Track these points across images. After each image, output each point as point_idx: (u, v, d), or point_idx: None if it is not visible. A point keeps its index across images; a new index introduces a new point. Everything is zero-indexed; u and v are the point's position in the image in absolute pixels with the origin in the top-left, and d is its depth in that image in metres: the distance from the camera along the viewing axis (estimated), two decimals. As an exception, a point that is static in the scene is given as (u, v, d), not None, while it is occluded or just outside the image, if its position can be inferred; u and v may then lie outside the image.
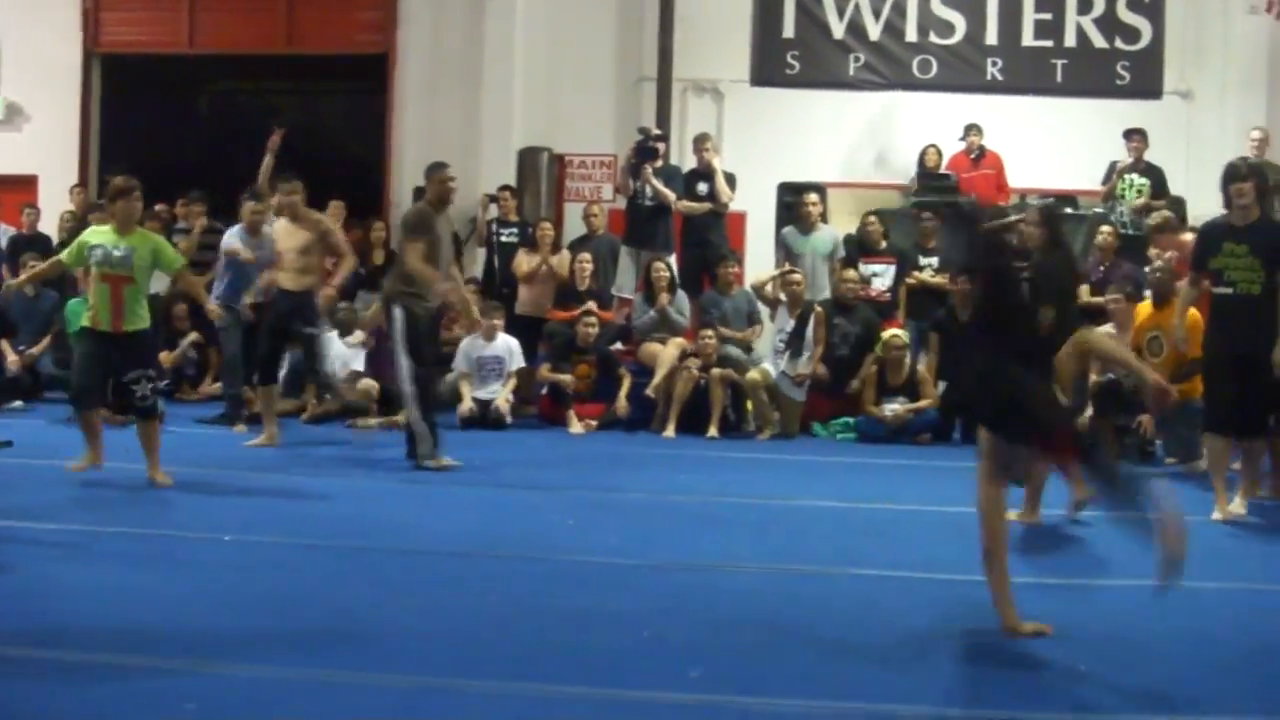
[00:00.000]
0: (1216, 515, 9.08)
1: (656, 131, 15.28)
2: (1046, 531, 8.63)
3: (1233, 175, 9.22)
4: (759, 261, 15.65)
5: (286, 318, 11.99)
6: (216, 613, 6.15)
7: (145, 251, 9.56)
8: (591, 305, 14.17)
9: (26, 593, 6.45)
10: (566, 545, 7.95)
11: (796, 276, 13.85)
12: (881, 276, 14.55)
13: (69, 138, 18.18)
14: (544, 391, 14.05)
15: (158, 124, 18.99)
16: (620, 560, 7.52)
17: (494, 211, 15.73)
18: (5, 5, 18.26)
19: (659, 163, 14.92)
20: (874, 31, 17.47)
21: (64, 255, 10.18)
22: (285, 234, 12.15)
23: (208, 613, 6.14)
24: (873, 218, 14.84)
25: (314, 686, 5.14)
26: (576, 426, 13.50)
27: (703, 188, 14.84)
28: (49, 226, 16.16)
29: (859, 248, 14.66)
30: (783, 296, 13.92)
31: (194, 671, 5.24)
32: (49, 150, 17.75)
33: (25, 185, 17.48)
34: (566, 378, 13.71)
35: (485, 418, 13.43)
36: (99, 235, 9.65)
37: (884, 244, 14.69)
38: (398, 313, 10.64)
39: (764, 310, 14.29)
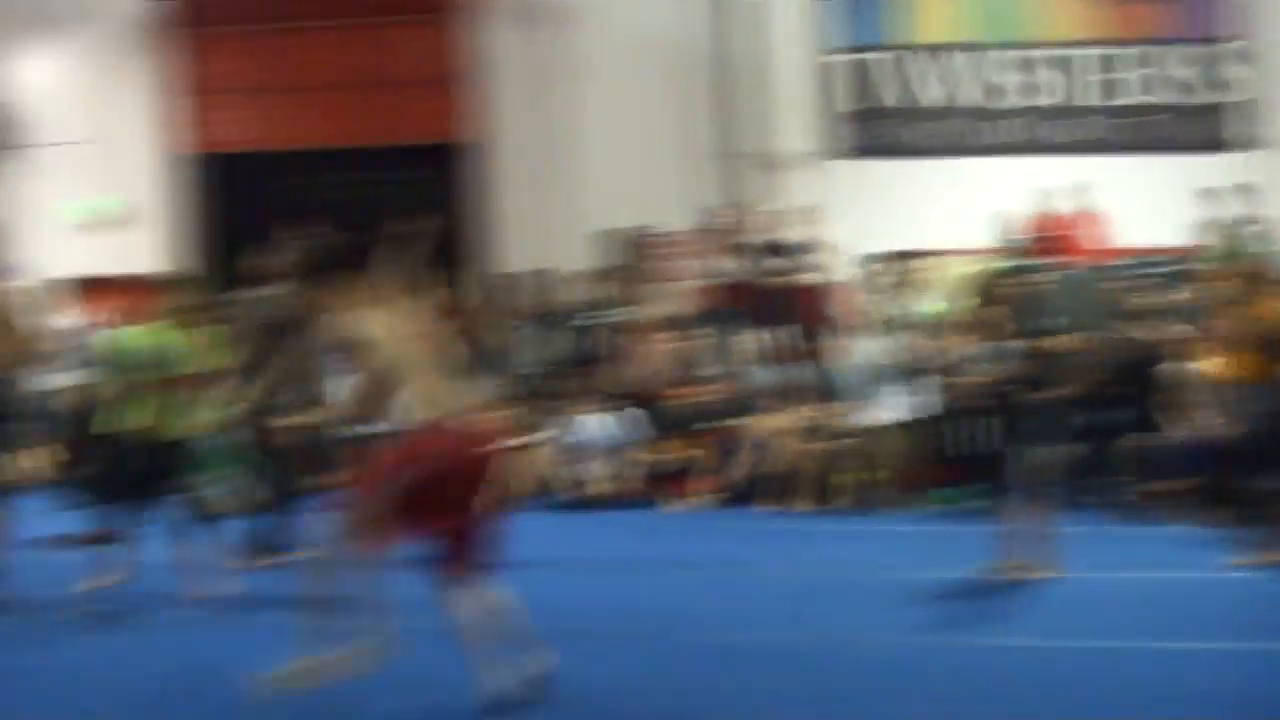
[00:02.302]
0: None
1: (723, 208, 15.28)
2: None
3: None
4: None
5: None
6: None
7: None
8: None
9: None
10: (687, 620, 8.03)
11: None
12: None
13: (174, 236, 18.53)
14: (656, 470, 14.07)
15: (256, 219, 19.16)
16: (741, 637, 7.59)
17: (581, 293, 15.95)
18: (103, 109, 18.68)
19: (742, 236, 15.00)
20: (956, 96, 17.44)
21: None
22: None
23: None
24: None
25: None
26: (693, 503, 13.57)
27: (786, 262, 14.98)
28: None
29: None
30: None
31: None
32: (157, 251, 18.01)
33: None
34: (683, 455, 13.74)
35: (581, 497, 13.60)
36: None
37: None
38: None
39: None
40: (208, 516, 9.09)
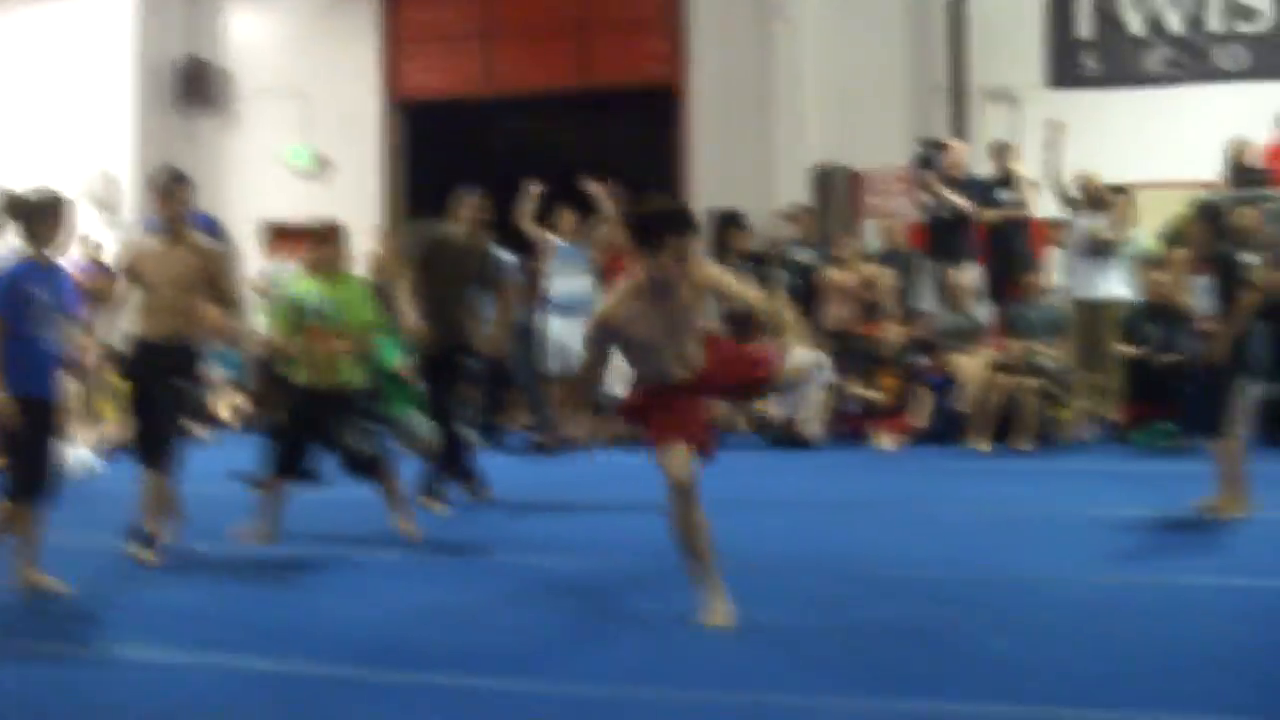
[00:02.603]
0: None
1: (931, 140, 15.01)
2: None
3: None
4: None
5: None
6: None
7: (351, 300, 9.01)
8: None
9: (375, 619, 6.63)
10: (889, 558, 7.80)
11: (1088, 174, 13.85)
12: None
13: (372, 186, 18.80)
14: (850, 408, 13.83)
15: (455, 167, 19.45)
16: (943, 574, 7.34)
17: (791, 231, 15.63)
18: (310, 63, 19.03)
19: (957, 171, 14.69)
20: (1175, 24, 16.87)
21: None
22: None
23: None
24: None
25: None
26: (887, 442, 13.32)
27: (1005, 196, 14.54)
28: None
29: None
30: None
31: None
32: (356, 197, 18.32)
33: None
34: (876, 394, 13.51)
35: (791, 435, 13.35)
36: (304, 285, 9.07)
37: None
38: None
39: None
40: (387, 459, 9.08)
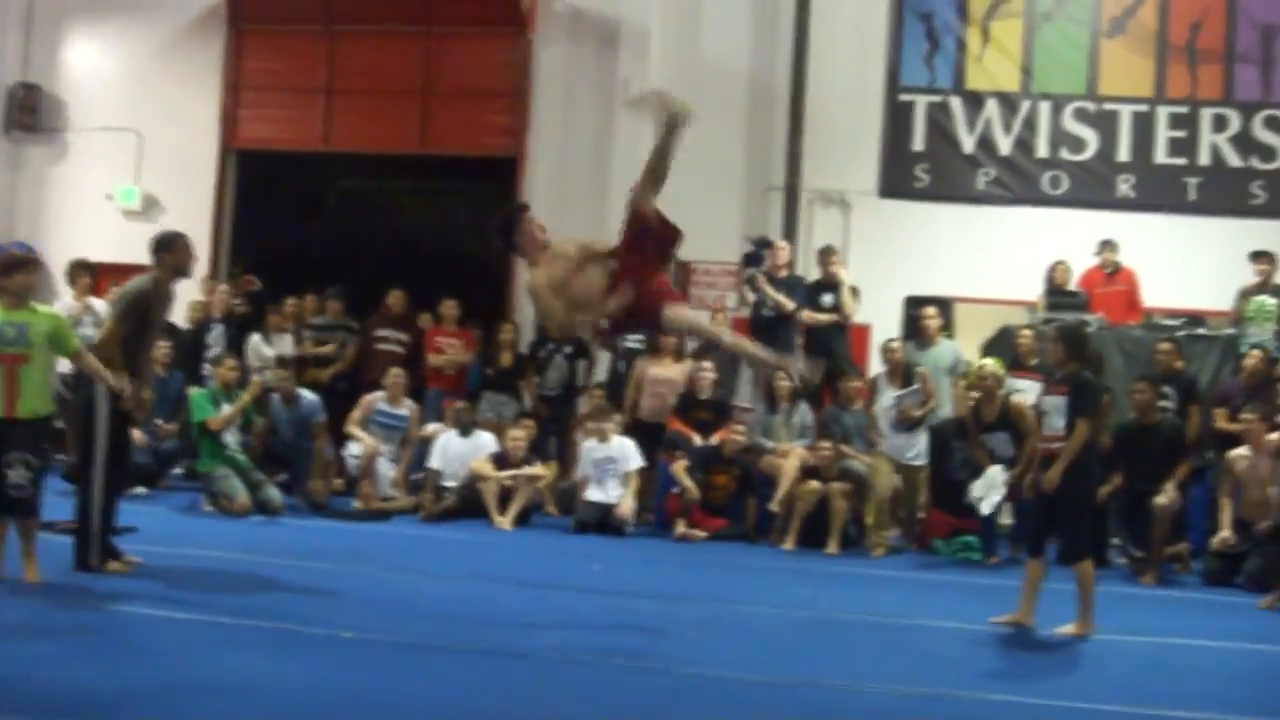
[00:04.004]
0: None
1: (759, 238, 15.20)
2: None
3: None
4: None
5: None
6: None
7: (41, 329, 8.92)
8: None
9: (155, 679, 6.44)
10: (689, 657, 7.81)
11: (895, 346, 14.09)
12: (1027, 394, 13.30)
13: (201, 230, 18.46)
14: (674, 490, 13.83)
15: (287, 219, 19.33)
16: (744, 676, 7.35)
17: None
18: (147, 101, 18.71)
19: (782, 271, 14.88)
20: (1005, 146, 17.34)
21: None
22: None
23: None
24: (1027, 332, 14.49)
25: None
26: (682, 529, 13.36)
27: (827, 299, 14.76)
28: (178, 316, 16.36)
29: (1011, 362, 14.32)
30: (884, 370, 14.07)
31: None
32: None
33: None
34: (690, 485, 13.56)
35: (604, 522, 13.35)
36: None
37: (1035, 360, 14.29)
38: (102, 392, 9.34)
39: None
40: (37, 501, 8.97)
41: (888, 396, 13.75)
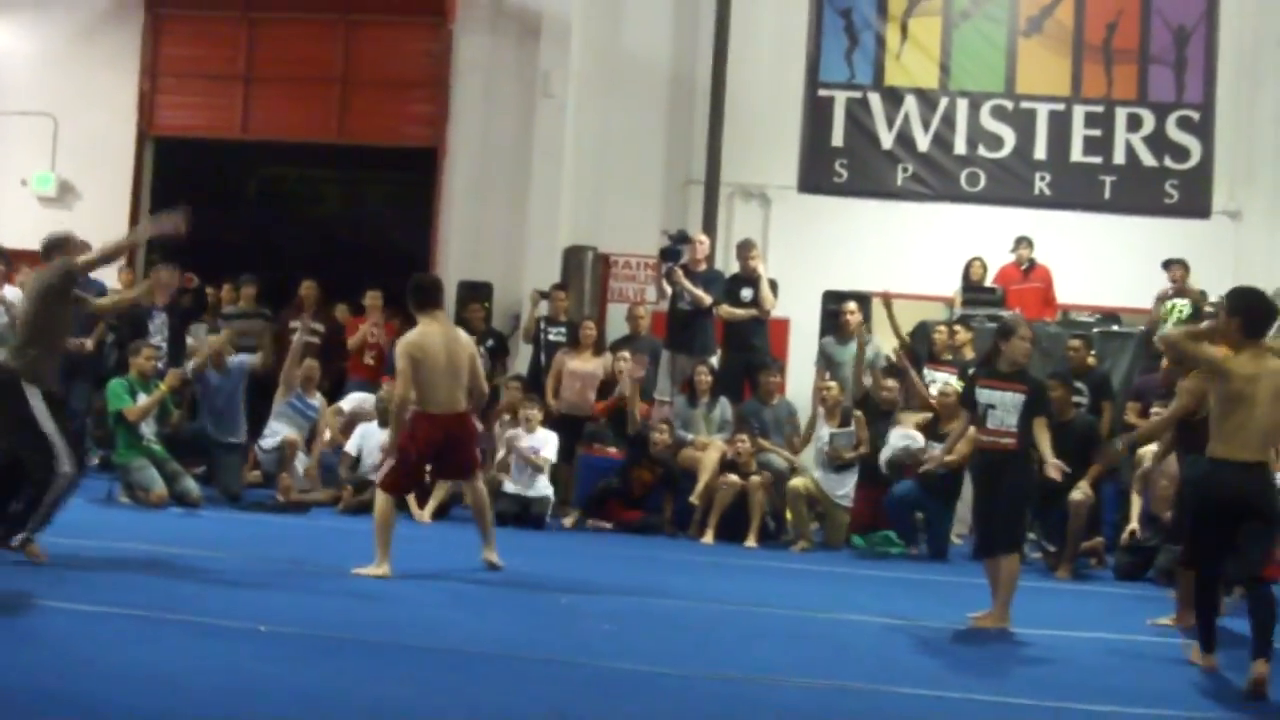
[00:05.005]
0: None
1: (678, 232, 15.23)
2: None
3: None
4: (801, 369, 15.58)
5: None
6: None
7: None
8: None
9: (68, 672, 6.39)
10: (604, 651, 7.83)
11: (831, 385, 13.79)
12: (940, 385, 13.84)
13: (119, 217, 18.27)
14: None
15: (205, 206, 19.13)
16: (660, 669, 7.38)
17: (543, 309, 15.68)
18: (62, 85, 18.51)
19: (701, 265, 14.91)
20: (923, 143, 17.52)
21: None
22: None
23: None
24: (943, 326, 14.71)
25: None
26: (602, 524, 13.45)
27: (746, 293, 14.79)
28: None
29: (927, 355, 14.50)
30: (820, 408, 13.83)
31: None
32: (99, 229, 17.70)
33: (71, 263, 17.53)
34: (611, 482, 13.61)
35: (524, 514, 13.35)
36: None
37: (949, 355, 14.50)
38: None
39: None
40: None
41: (824, 433, 13.78)
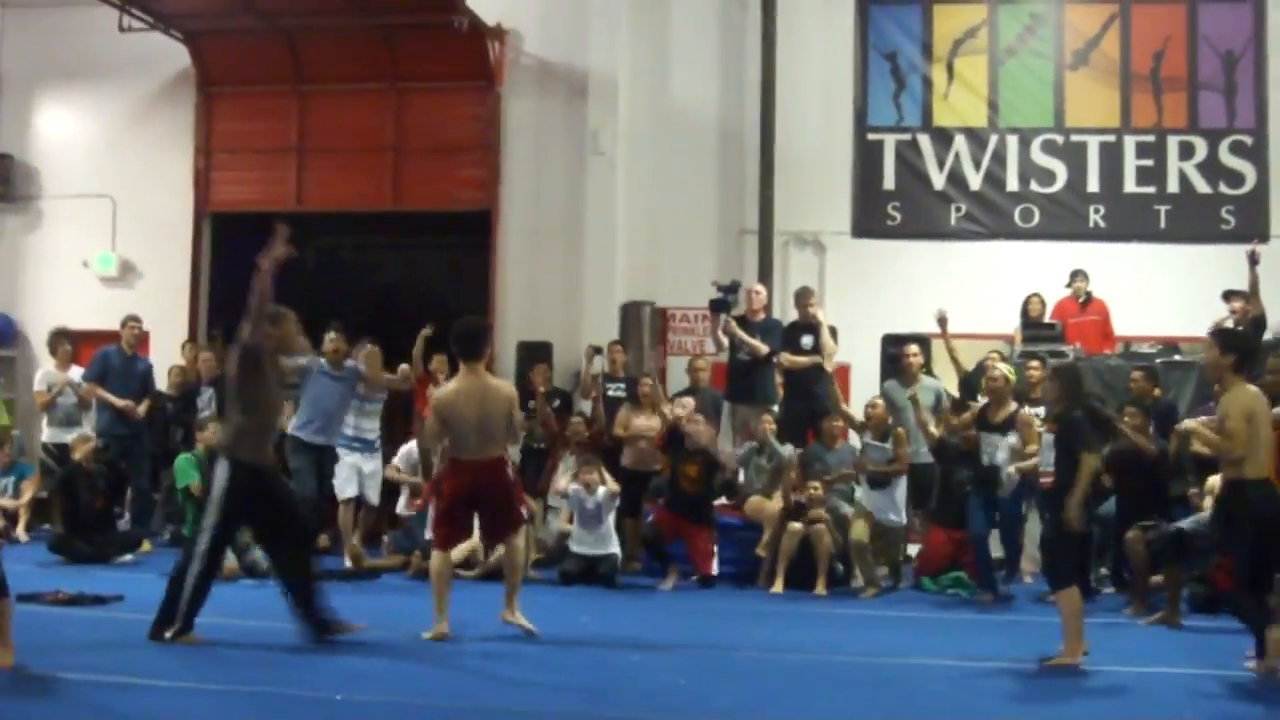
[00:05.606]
0: None
1: (731, 283, 15.21)
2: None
3: None
4: (862, 413, 15.51)
5: None
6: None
7: None
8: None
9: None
10: (679, 706, 7.81)
11: (877, 403, 14.02)
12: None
13: (179, 294, 18.51)
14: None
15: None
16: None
17: (599, 365, 15.71)
18: (120, 167, 18.79)
19: (759, 315, 14.92)
20: (975, 182, 17.51)
21: None
22: None
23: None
24: (1034, 364, 14.44)
25: None
26: (668, 583, 13.36)
27: (807, 341, 14.80)
28: (159, 380, 16.39)
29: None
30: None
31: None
32: (160, 307, 18.00)
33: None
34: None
35: (591, 572, 13.34)
36: None
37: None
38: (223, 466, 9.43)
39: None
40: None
41: (858, 443, 13.74)
